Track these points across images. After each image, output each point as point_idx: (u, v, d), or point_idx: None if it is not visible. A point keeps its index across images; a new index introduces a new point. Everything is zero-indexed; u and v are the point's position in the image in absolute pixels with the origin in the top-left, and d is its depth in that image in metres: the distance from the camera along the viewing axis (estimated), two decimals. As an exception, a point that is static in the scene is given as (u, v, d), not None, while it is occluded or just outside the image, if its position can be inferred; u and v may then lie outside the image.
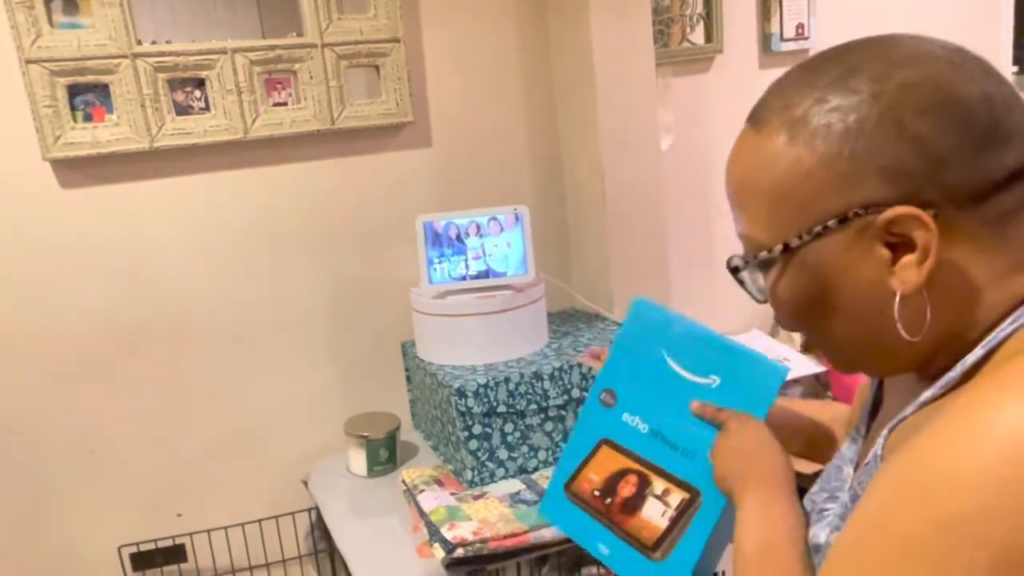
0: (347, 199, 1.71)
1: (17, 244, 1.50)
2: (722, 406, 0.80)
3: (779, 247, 0.61)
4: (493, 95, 1.79)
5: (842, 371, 0.66)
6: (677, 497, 0.82)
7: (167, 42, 1.52)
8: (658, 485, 0.83)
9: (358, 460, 1.61)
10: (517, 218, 1.56)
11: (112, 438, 1.62)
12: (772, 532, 0.69)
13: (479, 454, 1.46)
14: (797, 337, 2.04)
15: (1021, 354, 0.54)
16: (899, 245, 0.57)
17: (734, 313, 2.06)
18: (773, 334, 2.14)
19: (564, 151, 1.86)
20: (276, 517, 1.72)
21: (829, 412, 0.92)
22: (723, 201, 0.67)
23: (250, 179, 1.63)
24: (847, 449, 0.74)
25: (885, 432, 0.62)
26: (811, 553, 0.67)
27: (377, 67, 1.66)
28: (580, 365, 1.50)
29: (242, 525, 1.70)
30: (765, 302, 0.66)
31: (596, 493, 0.87)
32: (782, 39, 2.06)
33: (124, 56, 1.47)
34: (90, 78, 1.47)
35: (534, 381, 1.47)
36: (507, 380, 1.45)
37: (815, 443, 0.90)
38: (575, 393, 1.50)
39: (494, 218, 1.56)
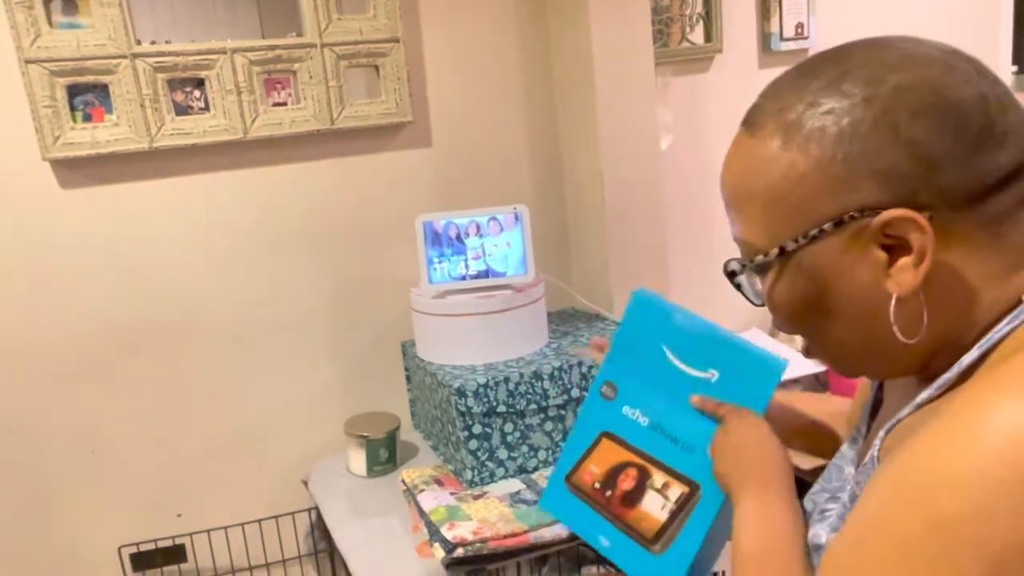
0: (347, 199, 1.71)
1: (17, 244, 1.50)
2: (722, 401, 0.80)
3: (775, 251, 0.61)
4: (493, 95, 1.79)
5: (843, 375, 0.66)
6: (677, 490, 0.82)
7: (166, 42, 1.52)
8: (658, 478, 0.83)
9: (358, 460, 1.61)
10: (517, 218, 1.56)
11: (112, 438, 1.62)
12: (771, 532, 0.69)
13: (479, 454, 1.46)
14: (798, 337, 2.04)
15: (1017, 354, 0.54)
16: (895, 248, 0.57)
17: (733, 312, 2.06)
18: (773, 334, 2.13)
19: (564, 151, 1.86)
20: (276, 517, 1.72)
21: (830, 407, 0.92)
22: (722, 201, 0.67)
23: (250, 179, 1.63)
24: (848, 449, 0.74)
25: (882, 434, 0.62)
26: (811, 553, 0.67)
27: (377, 67, 1.66)
28: (580, 364, 1.50)
29: (242, 525, 1.70)
30: (762, 305, 0.66)
31: (597, 485, 0.88)
32: (782, 39, 2.06)
33: (123, 56, 1.47)
34: (89, 78, 1.47)
35: (534, 381, 1.47)
36: (507, 380, 1.45)
37: (817, 443, 0.90)
38: (575, 393, 1.50)
39: (494, 218, 1.56)
